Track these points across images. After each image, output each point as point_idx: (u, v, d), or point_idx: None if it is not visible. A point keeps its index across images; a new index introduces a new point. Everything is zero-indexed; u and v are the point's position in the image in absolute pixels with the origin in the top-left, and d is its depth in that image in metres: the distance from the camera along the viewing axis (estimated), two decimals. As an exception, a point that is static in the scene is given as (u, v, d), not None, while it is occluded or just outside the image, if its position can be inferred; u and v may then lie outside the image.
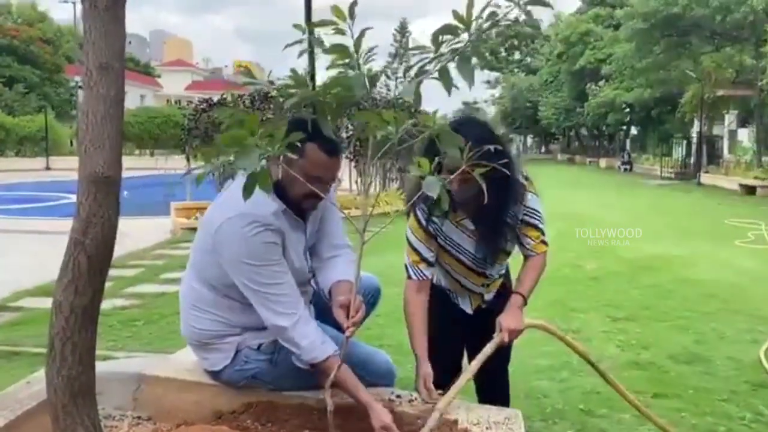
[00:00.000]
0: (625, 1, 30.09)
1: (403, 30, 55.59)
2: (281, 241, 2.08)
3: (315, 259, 2.34)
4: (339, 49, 1.50)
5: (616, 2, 36.82)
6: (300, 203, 2.11)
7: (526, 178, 2.32)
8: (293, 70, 1.60)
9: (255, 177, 1.43)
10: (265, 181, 1.45)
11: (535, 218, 2.33)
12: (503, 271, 2.53)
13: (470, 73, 1.48)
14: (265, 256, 2.03)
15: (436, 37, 1.48)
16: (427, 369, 2.15)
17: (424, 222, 2.30)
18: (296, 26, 1.43)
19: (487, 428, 1.97)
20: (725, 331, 4.88)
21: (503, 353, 2.73)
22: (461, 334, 2.46)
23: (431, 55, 1.51)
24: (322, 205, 2.24)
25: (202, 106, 10.90)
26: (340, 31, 1.45)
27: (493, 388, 2.70)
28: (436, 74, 1.51)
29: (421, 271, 2.31)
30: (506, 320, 2.23)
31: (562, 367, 3.96)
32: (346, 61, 1.52)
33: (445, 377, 2.58)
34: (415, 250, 2.32)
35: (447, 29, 1.47)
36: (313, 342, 2.04)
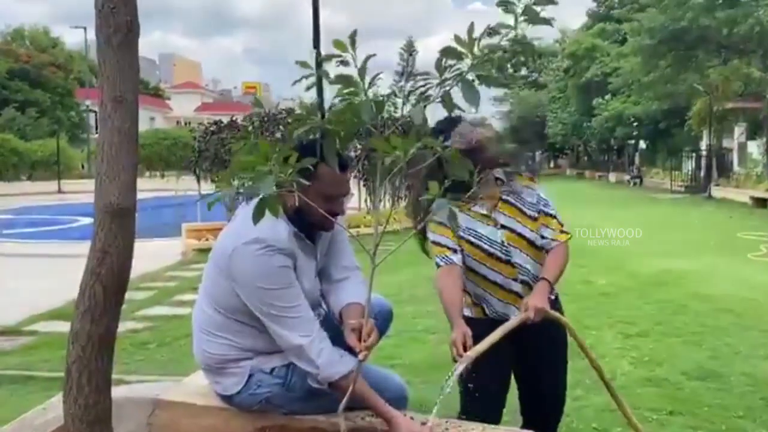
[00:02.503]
0: (630, 15, 30.19)
1: (409, 48, 55.86)
2: (293, 264, 2.10)
3: (324, 281, 2.35)
4: (344, 80, 1.53)
5: (622, 16, 36.94)
6: (322, 223, 2.12)
7: (533, 170, 2.48)
8: (313, 103, 1.63)
9: (265, 202, 1.45)
10: (274, 206, 1.48)
11: (550, 208, 2.45)
12: (535, 268, 2.46)
13: (475, 98, 1.52)
14: (280, 279, 2.05)
15: (439, 63, 1.51)
16: (464, 328, 2.15)
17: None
18: (300, 63, 1.47)
19: (500, 450, 1.96)
20: (739, 346, 4.84)
21: (561, 372, 2.70)
22: (504, 362, 2.44)
23: (436, 81, 1.53)
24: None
25: (211, 128, 10.99)
26: (344, 63, 1.48)
27: (546, 409, 2.67)
28: (439, 99, 1.55)
29: (448, 257, 2.38)
30: (532, 299, 2.27)
31: (576, 385, 3.93)
32: (352, 89, 1.55)
33: (493, 398, 2.51)
34: (437, 243, 2.41)
35: (449, 52, 1.49)
36: (329, 358, 2.05)
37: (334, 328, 2.30)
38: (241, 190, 1.52)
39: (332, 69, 1.61)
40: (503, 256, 2.42)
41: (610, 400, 3.70)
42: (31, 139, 35.38)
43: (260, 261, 2.03)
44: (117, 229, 1.35)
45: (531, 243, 2.44)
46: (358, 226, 10.40)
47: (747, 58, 24.32)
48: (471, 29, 1.50)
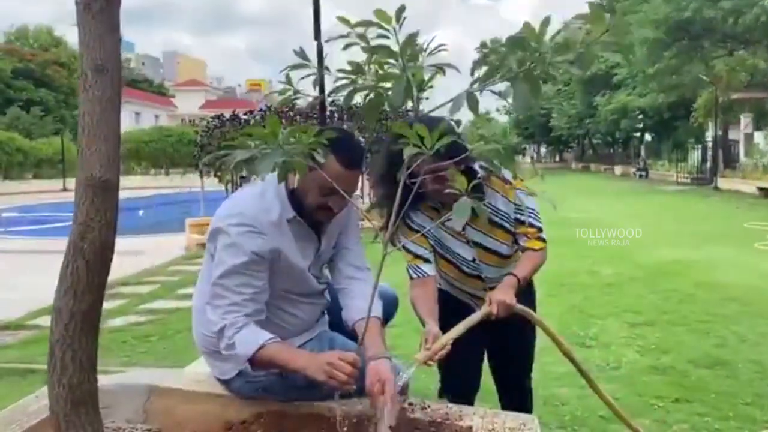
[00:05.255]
0: (634, 7, 29.99)
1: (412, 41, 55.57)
2: (273, 255, 2.02)
3: (335, 275, 2.29)
4: (383, 50, 1.40)
5: (624, 9, 36.71)
6: (313, 214, 2.06)
7: (515, 177, 2.27)
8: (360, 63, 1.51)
9: (290, 165, 1.39)
10: (301, 168, 1.44)
11: (528, 215, 2.29)
12: (505, 272, 2.45)
13: (528, 98, 1.39)
14: (245, 263, 1.97)
15: (508, 48, 1.37)
16: (435, 330, 2.06)
17: (410, 222, 2.31)
18: (341, 19, 1.36)
19: (501, 434, 1.91)
20: (747, 334, 4.79)
21: (526, 363, 2.70)
22: (479, 339, 2.41)
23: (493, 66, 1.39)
24: (343, 220, 2.19)
25: (214, 123, 10.95)
26: (384, 36, 1.36)
27: (516, 397, 2.67)
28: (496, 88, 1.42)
29: (420, 268, 2.29)
30: (497, 293, 2.17)
31: (580, 375, 3.89)
32: (391, 61, 1.42)
33: (466, 384, 2.55)
34: (409, 250, 2.31)
35: (517, 42, 1.34)
36: (244, 336, 1.95)
37: (337, 317, 2.26)
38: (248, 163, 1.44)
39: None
40: (473, 272, 2.39)
41: (614, 389, 3.70)
42: (35, 137, 35.42)
43: (235, 237, 1.97)
44: (100, 202, 1.30)
45: (502, 255, 2.38)
46: (363, 219, 10.34)
47: (752, 49, 24.14)
48: (546, 21, 1.33)
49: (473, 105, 1.40)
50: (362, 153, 2.04)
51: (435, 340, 1.99)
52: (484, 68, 1.40)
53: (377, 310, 2.09)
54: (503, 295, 2.15)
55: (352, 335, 2.17)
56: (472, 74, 1.42)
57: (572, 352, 2.36)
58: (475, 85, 1.41)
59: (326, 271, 2.32)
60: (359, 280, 2.24)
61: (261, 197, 2.05)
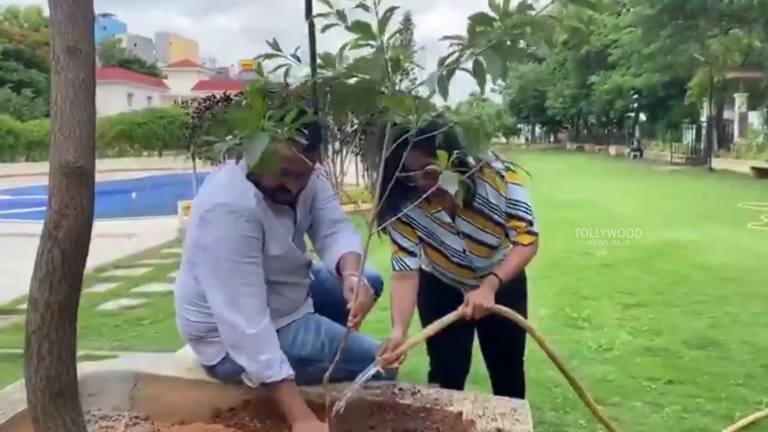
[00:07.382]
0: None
1: (407, 23, 55.19)
2: (261, 235, 2.01)
3: (315, 240, 2.31)
4: (362, 28, 1.36)
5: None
6: (272, 195, 2.05)
7: (508, 168, 2.25)
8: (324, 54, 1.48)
9: (264, 157, 1.36)
10: (272, 162, 1.39)
11: (519, 209, 2.27)
12: (495, 260, 2.43)
13: (502, 67, 1.36)
14: (244, 251, 1.96)
15: (472, 28, 1.35)
16: (399, 339, 2.07)
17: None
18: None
19: (492, 419, 1.90)
20: (740, 314, 4.79)
21: (517, 346, 2.67)
22: (469, 324, 2.39)
23: (461, 46, 1.38)
24: (311, 185, 2.19)
25: (205, 104, 10.85)
26: (364, 7, 1.33)
27: (507, 381, 2.67)
28: (467, 66, 1.39)
29: (403, 261, 2.28)
30: (474, 296, 2.16)
31: (573, 357, 3.89)
32: (371, 42, 1.39)
33: (456, 368, 2.55)
34: (395, 241, 2.30)
35: (482, 19, 1.34)
36: (272, 359, 1.96)
37: (322, 295, 2.25)
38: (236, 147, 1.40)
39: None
40: (463, 263, 2.38)
41: (607, 370, 3.70)
42: (27, 119, 35.11)
43: (227, 227, 1.95)
44: (75, 189, 1.25)
45: (491, 246, 2.36)
46: (356, 202, 10.33)
47: (748, 28, 24.04)
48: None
49: (443, 89, 1.38)
50: (319, 132, 2.01)
51: (395, 348, 1.99)
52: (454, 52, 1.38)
53: (357, 246, 2.16)
54: (481, 298, 2.15)
55: (337, 315, 2.14)
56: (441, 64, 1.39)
57: (556, 354, 2.32)
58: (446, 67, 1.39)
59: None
60: (338, 232, 2.28)
61: (232, 185, 2.03)
